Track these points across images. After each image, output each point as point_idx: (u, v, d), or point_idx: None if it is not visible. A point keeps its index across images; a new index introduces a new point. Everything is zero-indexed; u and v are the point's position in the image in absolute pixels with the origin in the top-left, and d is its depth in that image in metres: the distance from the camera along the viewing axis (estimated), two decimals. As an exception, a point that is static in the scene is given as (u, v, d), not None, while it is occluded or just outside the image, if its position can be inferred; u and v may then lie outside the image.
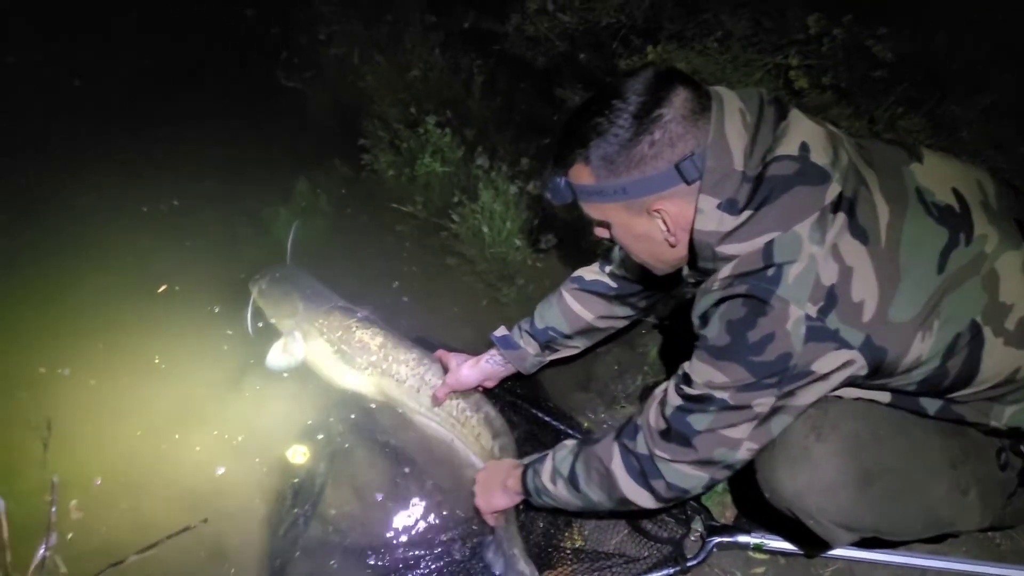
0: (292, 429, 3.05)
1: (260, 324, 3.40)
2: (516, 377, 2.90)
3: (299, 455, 2.96)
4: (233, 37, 5.22)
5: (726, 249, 1.73)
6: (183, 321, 3.53)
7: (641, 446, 1.98)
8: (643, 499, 2.03)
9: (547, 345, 2.72)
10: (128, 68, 5.12)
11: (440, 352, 2.97)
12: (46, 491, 2.37)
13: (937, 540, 2.30)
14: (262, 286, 3.48)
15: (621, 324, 2.70)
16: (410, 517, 2.76)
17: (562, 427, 2.86)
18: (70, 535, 2.72)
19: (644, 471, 1.98)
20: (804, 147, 1.69)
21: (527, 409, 2.93)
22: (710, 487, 2.01)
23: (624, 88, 1.75)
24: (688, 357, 1.92)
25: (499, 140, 4.14)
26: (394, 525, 2.74)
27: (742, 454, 1.87)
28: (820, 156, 1.69)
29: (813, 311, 1.64)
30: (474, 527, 2.68)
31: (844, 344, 1.66)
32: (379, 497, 2.82)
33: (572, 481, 2.17)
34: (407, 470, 2.89)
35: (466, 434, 2.87)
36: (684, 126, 1.70)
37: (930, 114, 3.33)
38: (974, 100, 3.27)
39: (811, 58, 3.51)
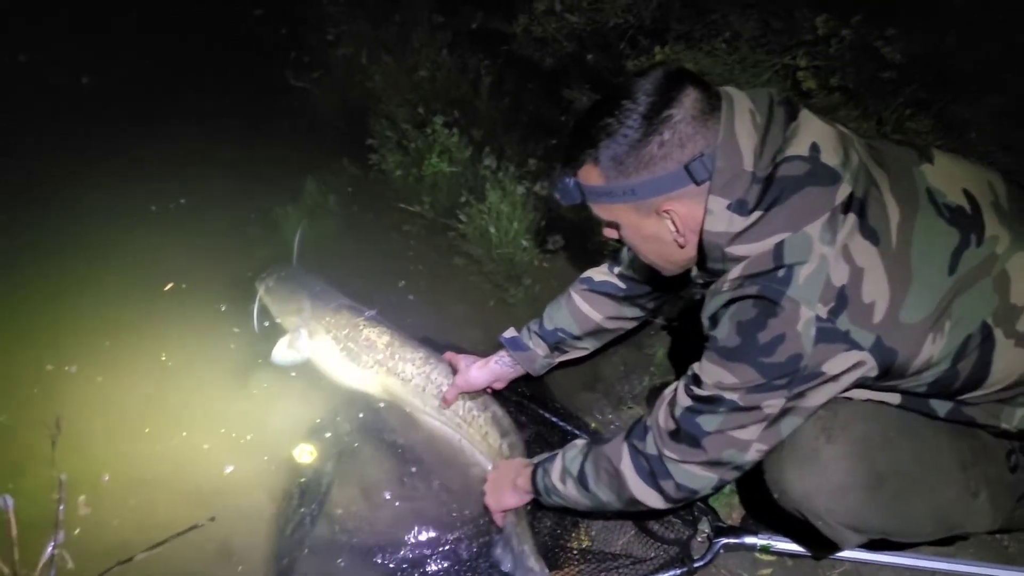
0: (299, 428, 3.06)
1: (266, 323, 3.41)
2: (524, 378, 2.90)
3: (306, 454, 2.96)
4: (241, 37, 5.24)
5: (736, 250, 1.73)
6: (190, 319, 3.54)
7: (650, 447, 1.98)
8: (652, 499, 2.03)
9: (556, 346, 2.73)
10: (136, 67, 5.14)
11: (449, 354, 2.98)
12: (54, 489, 2.37)
13: (945, 542, 2.29)
14: (269, 284, 3.50)
15: (630, 325, 2.70)
16: (417, 516, 2.76)
17: (569, 428, 2.86)
18: (78, 530, 2.74)
19: (653, 471, 1.98)
20: (815, 148, 1.69)
21: (534, 410, 2.93)
22: (719, 488, 2.01)
23: (634, 88, 1.75)
24: (695, 358, 1.92)
25: (506, 140, 4.14)
26: (401, 524, 2.73)
27: (751, 455, 1.87)
28: (831, 157, 1.69)
29: (824, 312, 1.64)
30: (481, 526, 2.68)
31: (854, 345, 1.66)
32: (386, 496, 2.83)
33: (581, 481, 2.17)
34: (414, 469, 2.89)
35: (472, 433, 2.88)
36: (694, 126, 1.70)
37: (939, 115, 3.32)
38: (984, 102, 3.25)
39: (819, 59, 3.50)
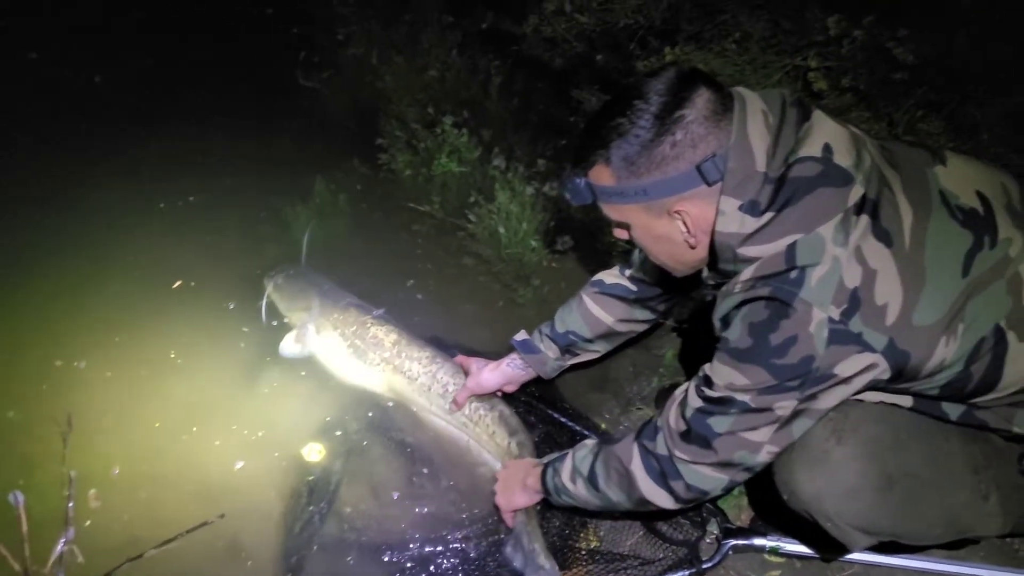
0: (309, 426, 3.07)
1: (274, 322, 3.42)
2: (535, 380, 2.90)
3: (315, 452, 2.97)
4: (252, 36, 5.25)
5: (748, 251, 1.72)
6: (199, 317, 3.56)
7: (661, 447, 1.98)
8: (662, 500, 2.02)
9: (567, 349, 2.73)
10: (148, 65, 5.17)
11: (460, 357, 2.99)
12: (64, 485, 2.38)
13: (955, 545, 2.29)
14: (277, 281, 3.52)
15: (641, 328, 2.70)
16: (425, 515, 2.76)
17: (578, 428, 2.86)
18: (88, 522, 2.75)
19: (664, 472, 1.98)
20: (827, 148, 1.68)
21: (543, 410, 2.94)
22: (730, 489, 2.01)
23: (646, 88, 1.74)
24: (704, 359, 1.92)
25: (516, 141, 4.15)
26: (410, 523, 2.74)
27: (762, 457, 1.86)
28: (843, 158, 1.68)
29: (836, 314, 1.63)
30: (489, 525, 2.68)
31: (867, 347, 1.66)
32: (395, 495, 2.83)
33: (592, 481, 2.17)
34: (422, 468, 2.90)
35: (480, 433, 2.88)
36: (706, 127, 1.69)
37: (950, 117, 3.31)
38: (995, 103, 3.24)
39: (830, 60, 3.49)
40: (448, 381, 2.95)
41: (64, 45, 5.28)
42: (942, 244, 1.70)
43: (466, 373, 2.91)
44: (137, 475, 2.94)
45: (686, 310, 3.12)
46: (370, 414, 3.07)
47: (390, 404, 3.09)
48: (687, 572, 2.42)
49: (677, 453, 1.93)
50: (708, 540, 2.51)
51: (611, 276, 2.61)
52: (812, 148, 1.68)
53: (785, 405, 1.76)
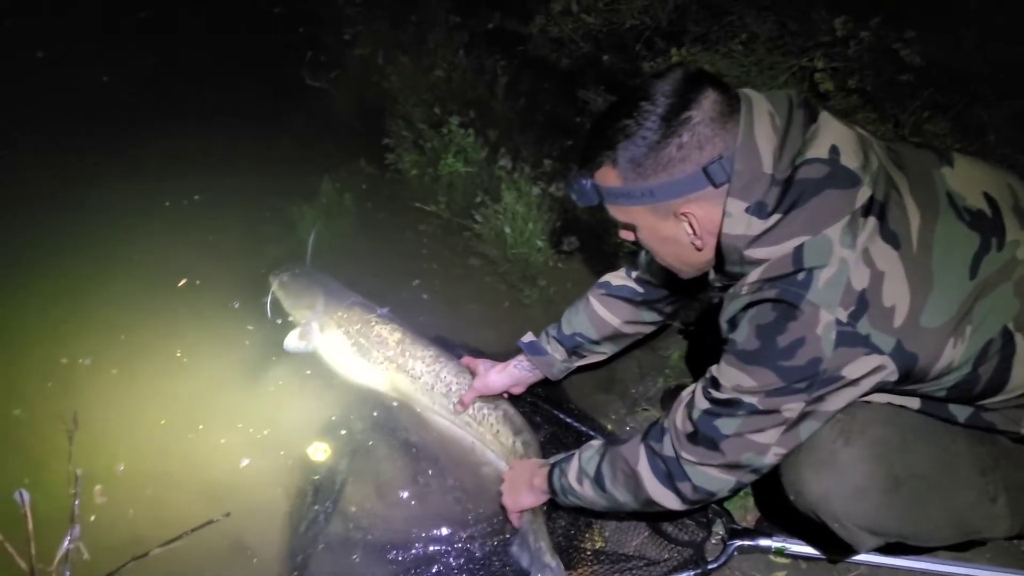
0: (314, 425, 3.07)
1: (279, 321, 3.42)
2: (542, 382, 2.90)
3: (320, 452, 2.97)
4: (259, 36, 5.26)
5: (754, 253, 1.72)
6: (204, 315, 3.57)
7: (667, 448, 1.98)
8: (669, 501, 2.03)
9: (574, 351, 2.73)
10: (154, 64, 5.18)
11: (467, 359, 3.00)
12: (70, 483, 2.38)
13: (962, 547, 2.29)
14: (283, 279, 3.53)
15: (648, 329, 2.70)
16: (431, 514, 2.77)
17: (584, 428, 2.86)
18: (93, 517, 2.76)
19: (670, 473, 1.98)
20: (834, 150, 1.68)
21: (549, 411, 2.94)
22: (737, 490, 2.00)
23: (652, 89, 1.74)
24: (710, 360, 1.91)
25: (522, 141, 4.15)
26: (415, 522, 2.74)
27: (770, 459, 1.86)
28: (850, 159, 1.68)
29: (844, 316, 1.63)
30: (495, 524, 2.69)
31: (875, 349, 1.65)
32: (400, 494, 2.83)
33: (598, 481, 2.17)
34: (428, 468, 2.90)
35: (483, 432, 2.88)
36: (713, 128, 1.69)
37: (957, 118, 3.31)
38: (1003, 104, 3.24)
39: (837, 61, 3.49)
40: (451, 380, 2.96)
41: (71, 44, 5.29)
42: (950, 246, 1.70)
43: (473, 374, 2.92)
44: (142, 473, 2.95)
45: (692, 312, 3.12)
46: (375, 414, 3.08)
47: (395, 404, 3.10)
48: (692, 573, 2.42)
49: (684, 455, 1.93)
50: (713, 541, 2.51)
51: (618, 278, 2.61)
52: (819, 150, 1.68)
53: (792, 407, 1.76)
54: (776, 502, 2.11)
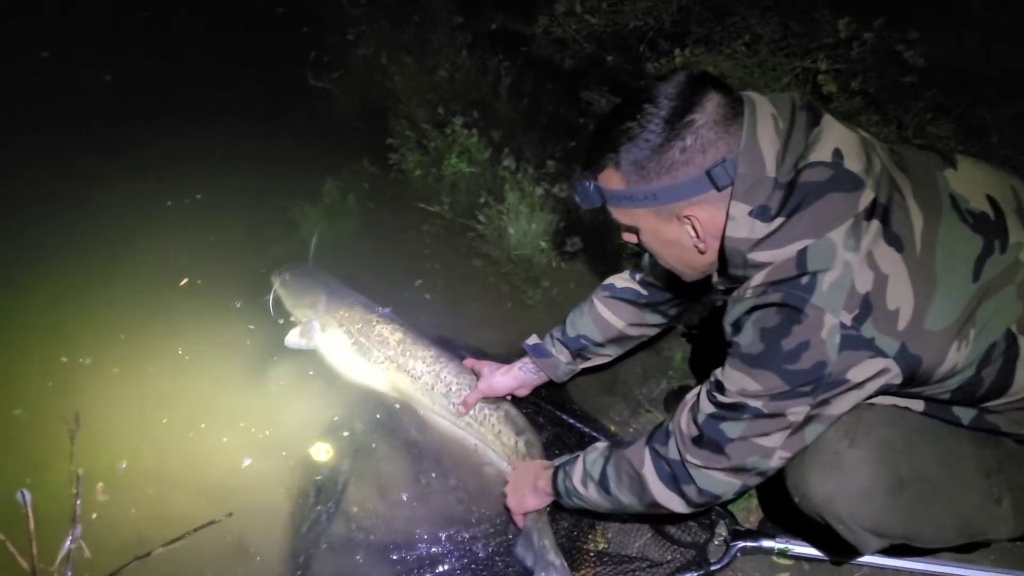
0: (316, 426, 3.08)
1: (280, 321, 3.42)
2: (546, 384, 2.91)
3: (323, 452, 2.97)
4: (262, 36, 5.26)
5: (758, 256, 1.71)
6: (206, 315, 3.57)
7: (672, 452, 1.98)
8: (674, 504, 2.03)
9: (579, 353, 2.73)
10: (157, 64, 5.17)
11: (470, 360, 3.00)
12: (72, 483, 2.39)
13: (966, 548, 2.29)
14: (285, 278, 3.53)
15: (652, 332, 2.70)
16: (433, 515, 2.77)
17: (587, 430, 2.87)
18: (95, 522, 2.76)
19: (676, 476, 1.98)
20: (837, 153, 1.68)
21: (552, 412, 2.94)
22: (742, 493, 2.00)
23: (656, 92, 1.73)
24: (713, 362, 1.91)
25: (525, 141, 4.15)
26: (417, 523, 2.74)
27: (775, 462, 1.86)
28: (853, 162, 1.68)
29: (848, 319, 1.63)
30: (497, 525, 2.69)
31: (879, 352, 1.65)
32: (402, 495, 2.84)
33: (603, 484, 2.18)
34: (430, 468, 2.90)
35: (485, 432, 2.89)
36: (716, 132, 1.69)
37: (960, 120, 3.31)
38: (1005, 106, 3.24)
39: (840, 62, 3.49)
40: (452, 381, 2.96)
41: (75, 44, 5.29)
42: (953, 249, 1.70)
43: (477, 376, 2.92)
44: (144, 472, 2.95)
45: (696, 314, 3.12)
46: (377, 415, 3.08)
47: (397, 405, 3.10)
48: (695, 574, 2.43)
49: (689, 458, 1.93)
50: (716, 542, 2.52)
51: (622, 280, 2.61)
52: (822, 153, 1.68)
53: (798, 411, 1.76)
54: (779, 503, 2.12)
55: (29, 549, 2.14)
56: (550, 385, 2.90)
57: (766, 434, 1.81)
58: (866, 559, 2.36)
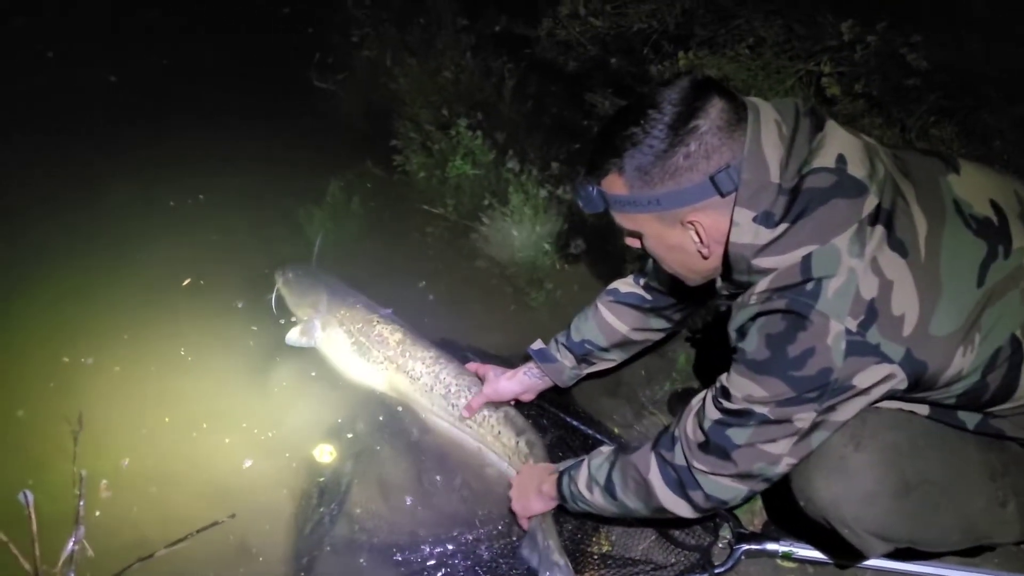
0: (319, 427, 3.08)
1: (282, 321, 3.42)
2: (551, 389, 2.91)
3: (326, 453, 2.98)
4: (267, 37, 5.26)
5: (762, 262, 1.72)
6: (208, 315, 3.56)
7: (678, 457, 1.98)
8: (681, 509, 2.04)
9: (584, 358, 2.73)
10: (163, 65, 5.17)
11: (474, 364, 3.00)
12: (75, 483, 2.39)
13: (971, 552, 2.28)
14: (288, 277, 3.53)
15: (657, 336, 2.70)
16: (436, 517, 2.77)
17: (591, 432, 2.86)
18: (98, 521, 2.76)
19: (682, 482, 1.99)
20: (841, 159, 1.68)
21: (555, 414, 2.94)
22: (748, 499, 2.01)
23: (660, 98, 1.74)
24: (716, 364, 1.92)
25: (529, 144, 4.14)
26: (420, 524, 2.75)
27: (781, 468, 1.87)
28: (857, 168, 1.68)
29: (853, 325, 1.63)
30: (500, 526, 2.70)
31: (885, 358, 1.66)
32: (405, 496, 2.84)
33: (609, 489, 2.18)
34: (433, 470, 2.91)
35: (484, 434, 2.89)
36: (720, 138, 1.69)
37: (963, 123, 3.31)
38: (1009, 109, 3.24)
39: (844, 65, 3.49)
40: (451, 382, 2.97)
41: (79, 44, 5.29)
42: (957, 254, 1.70)
43: (482, 380, 2.92)
44: (146, 473, 2.96)
45: (700, 318, 3.12)
46: (380, 416, 3.08)
47: (399, 407, 3.10)
48: (700, 577, 2.44)
49: (695, 464, 1.94)
50: (720, 545, 2.52)
51: (626, 285, 2.61)
52: (826, 159, 1.68)
53: (804, 417, 1.76)
54: (784, 506, 2.12)
55: (32, 550, 2.15)
56: (554, 390, 2.91)
57: (773, 440, 1.81)
58: (870, 562, 2.36)
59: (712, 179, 1.71)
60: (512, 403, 2.91)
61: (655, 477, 2.04)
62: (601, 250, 3.60)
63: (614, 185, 1.82)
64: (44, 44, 5.33)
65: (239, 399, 3.22)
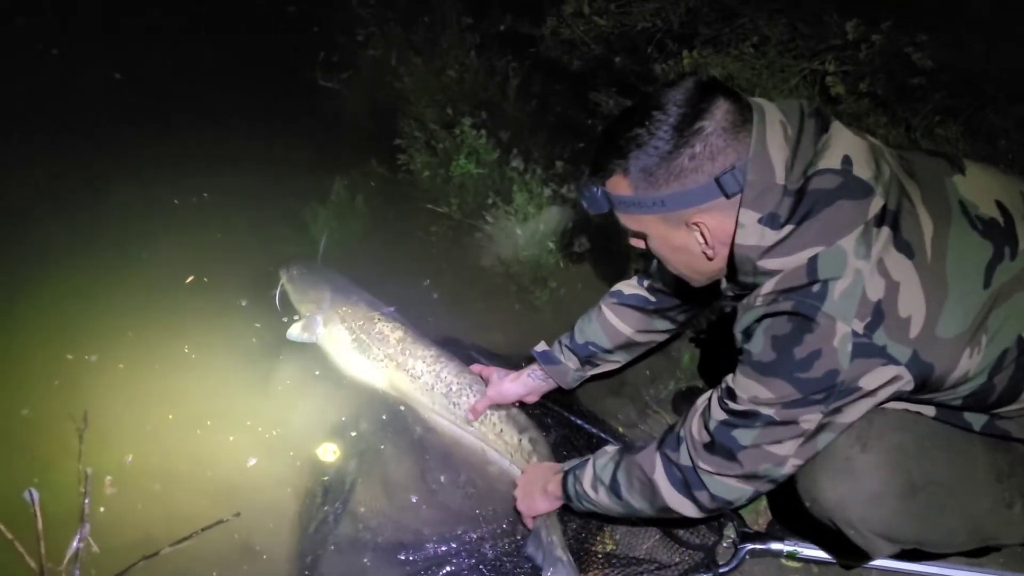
0: (323, 426, 3.09)
1: (285, 319, 3.43)
2: (555, 391, 2.91)
3: (330, 452, 2.98)
4: (272, 35, 5.25)
5: (768, 264, 1.72)
6: (212, 313, 3.57)
7: (684, 458, 1.98)
8: (686, 508, 2.04)
9: (588, 360, 2.73)
10: (167, 63, 5.16)
11: (478, 366, 3.00)
12: (80, 482, 2.40)
13: (976, 553, 2.28)
14: (293, 273, 3.53)
15: (661, 338, 2.70)
16: (440, 515, 2.79)
17: (595, 431, 2.87)
18: (102, 508, 2.76)
19: (687, 482, 1.99)
20: (847, 160, 1.68)
21: (559, 413, 2.95)
22: (754, 499, 2.01)
23: (665, 99, 1.73)
24: (721, 363, 1.92)
25: (533, 143, 4.14)
26: (424, 523, 2.76)
27: (787, 469, 1.87)
28: (863, 169, 1.67)
29: (860, 327, 1.63)
30: (504, 525, 2.70)
31: (891, 360, 1.65)
32: (409, 495, 2.85)
33: (614, 489, 2.18)
34: (437, 468, 2.92)
35: (486, 432, 2.90)
36: (725, 139, 1.69)
37: (968, 122, 3.30)
38: (1014, 109, 3.24)
39: (848, 64, 3.49)
40: (452, 381, 2.97)
41: (84, 42, 5.29)
42: (963, 255, 1.70)
43: (486, 383, 2.92)
44: (150, 469, 2.97)
45: (704, 318, 3.12)
46: (384, 415, 3.09)
47: (402, 407, 3.11)
48: (704, 576, 2.44)
49: (701, 464, 1.94)
50: (725, 544, 2.52)
51: (629, 287, 2.61)
52: (831, 160, 1.68)
53: (810, 419, 1.76)
54: (788, 505, 2.12)
55: (37, 548, 2.16)
56: (559, 391, 2.91)
57: (779, 442, 1.81)
58: (875, 562, 2.37)
59: (717, 180, 1.70)
60: (516, 404, 2.91)
61: (660, 477, 2.04)
62: (605, 248, 3.60)
63: (618, 186, 1.82)
64: (46, 43, 5.32)
65: (243, 397, 3.23)
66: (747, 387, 1.80)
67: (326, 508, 2.79)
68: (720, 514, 2.50)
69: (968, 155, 2.18)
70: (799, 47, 3.66)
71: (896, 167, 1.77)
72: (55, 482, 2.71)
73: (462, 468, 2.92)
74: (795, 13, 3.70)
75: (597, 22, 4.17)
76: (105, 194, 4.21)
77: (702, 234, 1.80)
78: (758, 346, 1.76)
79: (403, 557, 2.64)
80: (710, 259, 1.87)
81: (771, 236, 1.70)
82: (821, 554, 2.42)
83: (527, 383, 2.85)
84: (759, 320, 1.75)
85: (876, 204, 1.66)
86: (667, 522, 2.55)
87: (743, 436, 1.84)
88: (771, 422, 1.79)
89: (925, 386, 1.73)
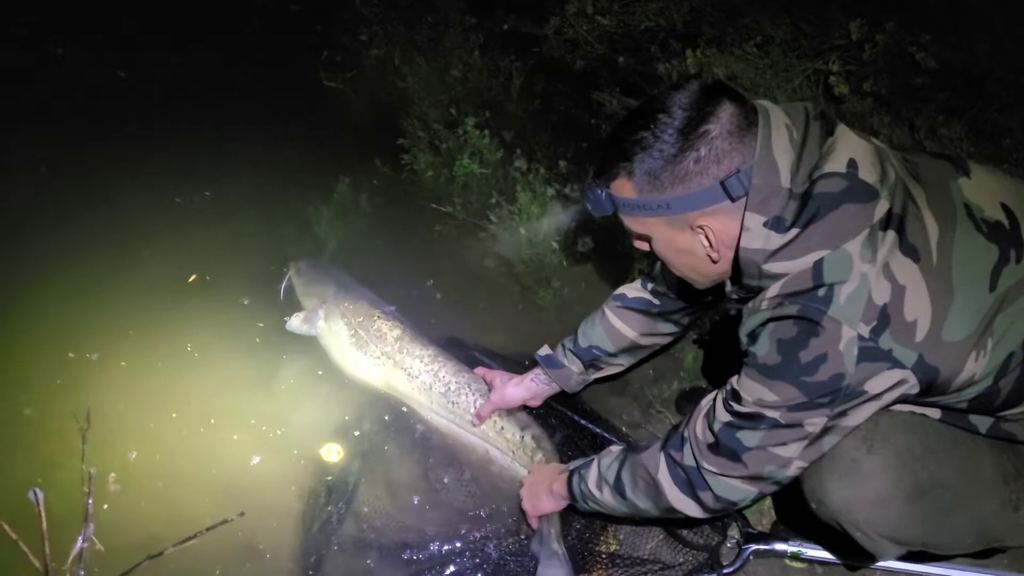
0: (327, 426, 3.09)
1: (285, 318, 3.42)
2: (559, 394, 2.90)
3: (333, 452, 2.99)
4: (275, 35, 5.26)
5: (773, 267, 1.71)
6: (215, 311, 3.57)
7: (688, 458, 1.99)
8: (690, 509, 2.04)
9: (591, 363, 2.73)
10: (171, 62, 5.17)
11: (481, 370, 3.00)
12: (84, 481, 2.40)
13: (980, 554, 2.28)
14: (300, 267, 3.55)
15: (664, 341, 2.70)
16: (444, 515, 2.79)
17: (599, 431, 2.87)
18: (106, 506, 2.79)
19: (691, 483, 1.99)
20: (852, 164, 1.67)
21: (563, 413, 2.94)
22: (758, 500, 2.01)
23: (670, 102, 1.73)
24: (725, 363, 1.92)
25: (537, 142, 4.14)
26: (428, 523, 2.76)
27: (792, 471, 1.87)
28: (868, 173, 1.67)
29: (866, 331, 1.63)
30: (508, 524, 2.71)
31: (897, 364, 1.65)
32: (412, 495, 2.86)
33: (618, 489, 2.19)
34: (440, 468, 2.92)
35: (486, 430, 2.90)
36: (730, 142, 1.68)
37: (972, 122, 3.30)
38: (1018, 108, 3.24)
39: (852, 64, 3.49)
40: (450, 380, 2.98)
41: (89, 41, 5.29)
42: (969, 258, 1.69)
43: (490, 387, 2.92)
44: (153, 468, 2.98)
45: (708, 320, 3.12)
46: (386, 416, 3.09)
47: (404, 407, 3.11)
48: (708, 577, 2.44)
49: (705, 465, 1.94)
50: (729, 544, 2.53)
51: (633, 290, 2.60)
52: (837, 163, 1.67)
53: (815, 422, 1.76)
54: (792, 506, 2.12)
55: (42, 548, 2.16)
56: (562, 394, 2.90)
57: (783, 444, 1.81)
58: (879, 563, 2.36)
59: (722, 184, 1.70)
60: (521, 408, 2.91)
61: (664, 477, 2.05)
62: (609, 248, 3.60)
63: (623, 189, 1.82)
64: (52, 42, 5.33)
65: (246, 396, 3.24)
66: (752, 389, 1.80)
67: (330, 508, 2.79)
68: (724, 515, 2.51)
69: (972, 155, 2.19)
70: (803, 47, 3.66)
71: (901, 170, 1.76)
72: (59, 481, 2.72)
73: (465, 467, 2.93)
74: (799, 12, 3.70)
75: (600, 22, 4.18)
76: (108, 193, 4.21)
77: (707, 237, 1.80)
78: (763, 349, 1.76)
79: (407, 557, 2.64)
80: (715, 262, 1.87)
81: (776, 240, 1.69)
82: (825, 555, 2.42)
83: (531, 387, 2.85)
84: (764, 323, 1.75)
85: (881, 208, 1.65)
86: (671, 522, 2.55)
87: (747, 438, 1.84)
88: (776, 425, 1.79)
89: (931, 389, 1.73)
